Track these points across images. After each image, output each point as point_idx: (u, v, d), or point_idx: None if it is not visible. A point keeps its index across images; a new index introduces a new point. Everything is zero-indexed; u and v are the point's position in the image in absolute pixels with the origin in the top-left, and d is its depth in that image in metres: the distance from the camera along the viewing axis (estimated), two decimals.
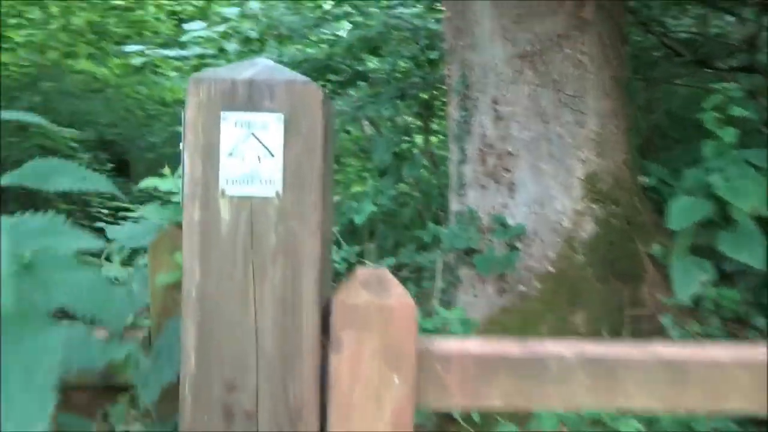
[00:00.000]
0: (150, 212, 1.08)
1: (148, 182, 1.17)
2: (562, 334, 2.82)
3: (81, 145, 8.38)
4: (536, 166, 2.86)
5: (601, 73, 2.87)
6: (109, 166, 8.95)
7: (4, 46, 8.20)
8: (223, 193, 0.86)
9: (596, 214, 2.85)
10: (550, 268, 2.87)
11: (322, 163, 0.87)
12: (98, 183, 0.82)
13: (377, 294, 0.90)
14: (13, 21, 8.16)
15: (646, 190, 3.07)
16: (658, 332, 2.72)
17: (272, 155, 0.85)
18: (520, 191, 2.89)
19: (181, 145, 0.86)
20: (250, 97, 0.85)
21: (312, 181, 0.86)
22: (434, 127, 5.60)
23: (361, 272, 0.93)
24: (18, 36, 8.20)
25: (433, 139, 5.55)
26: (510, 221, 2.89)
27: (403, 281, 3.83)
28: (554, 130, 2.83)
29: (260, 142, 0.85)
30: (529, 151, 2.87)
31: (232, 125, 0.85)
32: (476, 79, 2.95)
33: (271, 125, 0.85)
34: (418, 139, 5.21)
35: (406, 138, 4.92)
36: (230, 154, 0.85)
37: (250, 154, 0.85)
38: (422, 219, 4.46)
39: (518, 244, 2.89)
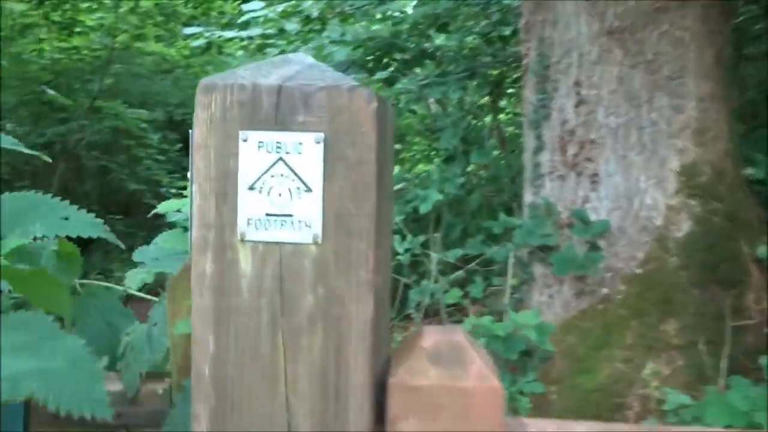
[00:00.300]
0: (166, 240, 0.87)
1: (164, 206, 0.97)
2: (651, 345, 2.54)
3: (150, 125, 8.52)
4: (624, 156, 2.60)
5: (703, 52, 2.53)
6: (178, 146, 9.07)
7: (77, 30, 8.36)
8: (242, 238, 0.64)
9: (693, 210, 2.56)
10: (638, 270, 2.60)
11: (376, 197, 0.64)
12: (82, 227, 0.62)
13: (450, 370, 0.67)
14: (84, 5, 8.31)
15: (752, 183, 2.71)
16: (766, 347, 2.40)
17: (308, 189, 0.63)
18: (605, 184, 2.64)
19: (189, 173, 0.65)
20: (278, 110, 0.63)
21: (362, 223, 0.63)
22: (503, 104, 5.28)
23: (429, 336, 0.70)
24: (90, 20, 8.35)
25: (502, 116, 5.24)
26: (592, 217, 2.65)
27: (471, 274, 3.62)
28: (646, 117, 2.54)
29: (292, 171, 0.63)
30: (616, 139, 2.60)
31: (255, 148, 0.63)
32: (557, 59, 2.71)
33: (306, 148, 0.63)
34: (487, 118, 4.92)
35: (474, 120, 4.64)
36: (252, 188, 0.63)
37: (278, 188, 0.63)
38: (491, 207, 4.21)
39: (601, 243, 2.62)
